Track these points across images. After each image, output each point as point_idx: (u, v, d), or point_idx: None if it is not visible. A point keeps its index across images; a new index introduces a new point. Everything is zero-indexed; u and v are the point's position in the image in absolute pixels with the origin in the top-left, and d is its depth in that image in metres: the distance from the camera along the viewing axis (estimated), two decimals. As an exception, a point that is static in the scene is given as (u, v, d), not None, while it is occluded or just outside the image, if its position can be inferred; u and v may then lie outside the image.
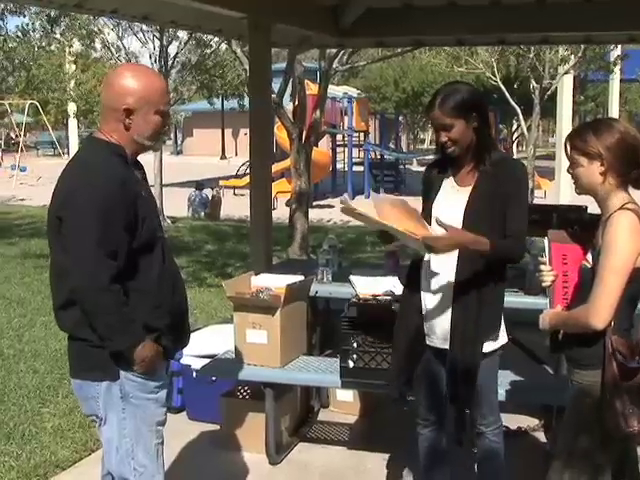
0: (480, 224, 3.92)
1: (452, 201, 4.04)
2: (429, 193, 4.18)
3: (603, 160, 3.30)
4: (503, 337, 4.18)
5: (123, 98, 3.38)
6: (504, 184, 3.96)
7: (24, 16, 16.19)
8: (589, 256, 3.38)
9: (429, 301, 4.13)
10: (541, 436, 5.82)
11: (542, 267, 3.57)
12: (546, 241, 3.59)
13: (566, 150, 3.43)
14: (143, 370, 3.42)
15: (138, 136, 3.44)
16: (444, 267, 4.03)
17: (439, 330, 4.11)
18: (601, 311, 3.17)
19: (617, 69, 22.24)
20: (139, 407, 3.50)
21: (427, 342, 4.19)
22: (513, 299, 5.27)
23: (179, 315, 3.63)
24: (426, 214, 4.09)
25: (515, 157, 32.88)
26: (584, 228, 3.69)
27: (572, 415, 3.51)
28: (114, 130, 3.42)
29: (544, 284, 3.56)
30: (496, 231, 3.94)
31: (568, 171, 3.44)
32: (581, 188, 3.41)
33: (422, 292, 4.16)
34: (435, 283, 4.09)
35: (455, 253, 3.92)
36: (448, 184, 4.12)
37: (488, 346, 4.07)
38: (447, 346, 4.08)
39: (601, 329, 3.19)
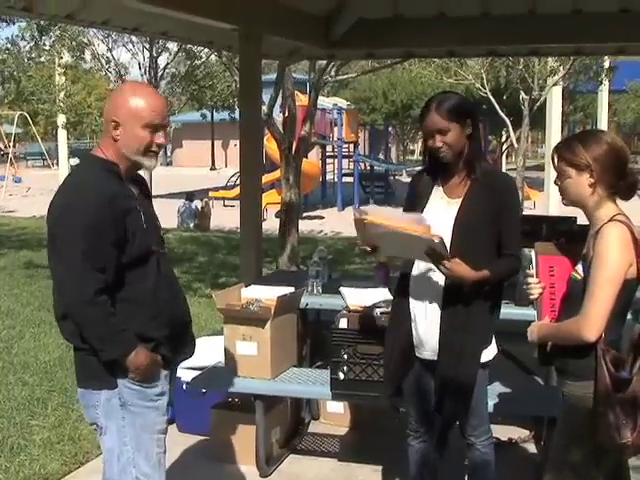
0: (469, 237, 3.92)
1: (442, 213, 4.02)
2: (416, 199, 4.15)
3: (592, 172, 3.29)
4: (493, 349, 4.17)
5: (113, 110, 3.46)
6: (496, 197, 3.97)
7: (13, 23, 16.17)
8: (579, 267, 3.38)
9: (418, 313, 4.11)
10: (532, 447, 5.81)
11: (529, 279, 3.57)
12: (533, 253, 3.58)
13: (553, 162, 3.43)
14: (140, 378, 3.45)
15: (126, 150, 3.46)
16: (433, 279, 4.03)
17: (428, 342, 4.09)
18: (593, 323, 3.18)
19: (606, 80, 22.33)
20: (139, 415, 3.51)
21: (417, 354, 4.18)
22: (503, 310, 5.27)
23: (180, 326, 3.66)
24: None
25: (504, 168, 33.01)
26: (571, 239, 3.71)
27: (563, 427, 3.50)
28: (109, 145, 3.48)
29: (531, 297, 3.55)
30: (485, 245, 3.95)
31: (556, 183, 3.43)
32: (569, 200, 3.41)
33: (411, 304, 4.14)
34: (424, 295, 4.08)
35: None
36: (437, 194, 4.10)
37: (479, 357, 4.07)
38: (436, 358, 4.08)
39: (593, 341, 3.19)
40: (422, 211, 4.07)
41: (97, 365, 3.45)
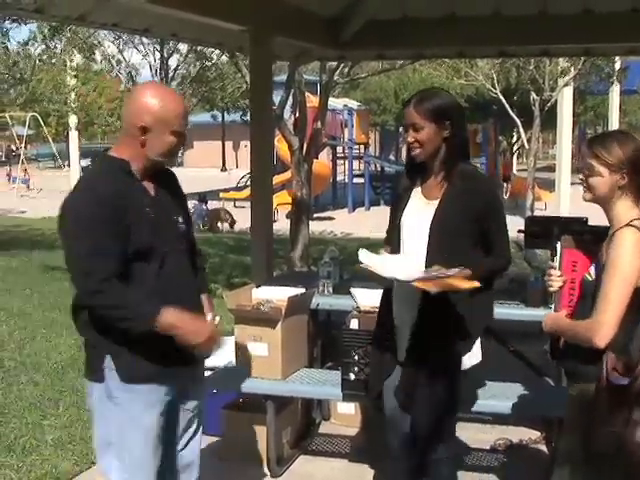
0: (445, 238, 3.88)
1: (419, 214, 3.98)
2: (397, 201, 4.13)
3: (624, 174, 3.26)
4: (477, 356, 4.12)
5: (141, 116, 3.44)
6: (475, 199, 3.92)
7: (25, 24, 16.21)
8: (592, 269, 3.36)
9: (397, 315, 4.10)
10: (543, 448, 5.80)
11: (551, 271, 3.53)
12: (558, 246, 3.54)
13: (583, 155, 3.38)
14: (186, 339, 3.48)
15: (151, 153, 3.49)
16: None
17: (405, 345, 4.06)
18: (602, 329, 3.15)
19: (617, 81, 22.26)
20: (123, 409, 3.49)
21: (399, 358, 4.14)
22: (514, 311, 5.27)
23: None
24: (394, 224, 4.10)
25: (515, 169, 32.93)
26: (595, 239, 3.67)
27: (568, 426, 3.49)
28: (128, 145, 3.49)
29: (551, 289, 3.51)
30: (462, 243, 3.90)
31: (582, 178, 3.38)
32: (594, 197, 3.35)
33: (394, 308, 4.12)
34: (404, 299, 4.04)
35: (421, 267, 3.85)
36: (416, 195, 4.06)
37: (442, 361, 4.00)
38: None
39: (601, 346, 3.16)
40: (402, 212, 4.04)
41: (92, 357, 3.53)
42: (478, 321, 4.13)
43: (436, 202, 3.96)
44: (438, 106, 3.88)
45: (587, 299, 3.31)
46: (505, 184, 26.50)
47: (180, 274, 3.65)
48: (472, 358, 4.09)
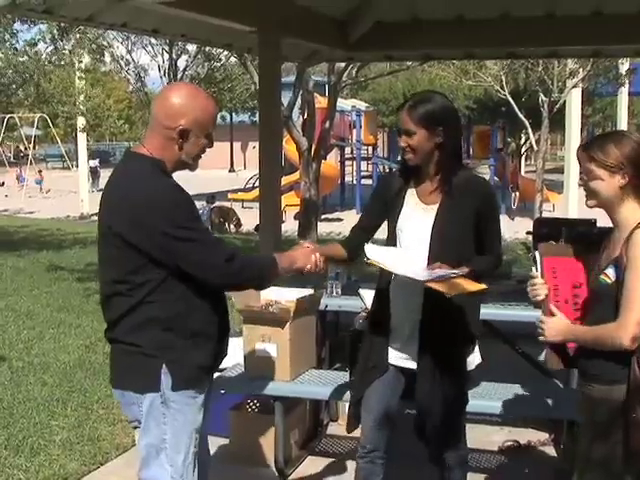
0: (446, 244, 3.86)
1: (418, 219, 3.95)
2: (389, 201, 4.06)
3: (625, 173, 3.22)
4: (477, 357, 4.10)
5: (180, 118, 3.39)
6: (472, 202, 3.89)
7: (35, 24, 16.26)
8: (610, 271, 3.29)
9: (395, 316, 4.04)
10: (551, 450, 5.79)
11: (535, 281, 3.45)
12: (537, 255, 3.48)
13: (580, 162, 3.33)
14: (304, 266, 3.78)
15: (186, 156, 3.48)
16: (413, 284, 3.89)
17: (406, 349, 4.01)
18: (630, 330, 3.11)
19: (626, 82, 22.22)
20: (179, 412, 3.47)
21: (391, 361, 4.07)
22: (522, 312, 5.27)
23: (224, 329, 3.65)
24: (374, 216, 4.12)
25: (523, 171, 32.82)
26: (576, 241, 3.64)
27: (587, 427, 3.46)
28: (161, 146, 3.44)
29: (538, 298, 3.44)
30: (463, 250, 3.89)
31: (580, 184, 3.35)
32: (597, 201, 3.31)
33: (391, 308, 4.06)
34: (403, 300, 4.00)
35: (423, 262, 3.85)
36: (412, 199, 4.01)
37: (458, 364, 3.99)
38: (410, 365, 4.00)
39: (632, 346, 3.13)
40: (397, 217, 4.00)
41: (144, 366, 3.42)
42: (478, 321, 4.13)
43: (435, 207, 3.93)
44: (431, 112, 3.83)
45: (605, 302, 3.27)
46: (513, 193, 26.03)
47: None
48: (475, 359, 4.07)
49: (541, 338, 3.40)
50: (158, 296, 3.37)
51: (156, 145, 3.44)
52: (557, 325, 3.38)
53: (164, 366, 3.40)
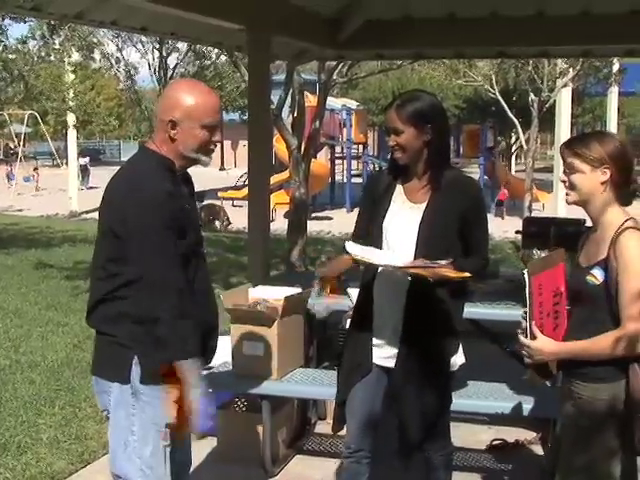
0: (433, 242, 3.85)
1: (405, 218, 3.93)
2: (376, 200, 4.05)
3: (606, 169, 3.25)
4: (461, 357, 4.10)
5: (170, 110, 3.43)
6: (460, 202, 3.88)
7: (24, 22, 16.23)
8: (597, 272, 3.28)
9: (378, 315, 4.02)
10: (538, 449, 5.80)
11: (524, 343, 3.33)
12: (526, 276, 3.28)
13: (563, 157, 3.37)
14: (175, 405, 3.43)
15: (184, 149, 3.47)
16: (396, 281, 3.91)
17: (388, 346, 4.00)
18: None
19: (615, 83, 22.29)
20: (149, 404, 3.44)
21: (374, 360, 4.05)
22: (510, 311, 5.27)
23: (210, 330, 3.62)
24: (367, 217, 4.08)
25: (513, 170, 32.87)
26: (563, 239, 3.62)
27: (571, 428, 3.46)
28: (164, 141, 3.47)
29: (536, 359, 3.34)
30: (450, 249, 3.86)
31: (562, 178, 3.38)
32: (577, 196, 3.33)
33: (374, 306, 4.04)
34: (387, 297, 3.99)
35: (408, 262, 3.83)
36: (399, 197, 4.00)
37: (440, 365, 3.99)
38: (393, 364, 3.98)
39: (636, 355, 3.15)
40: (384, 214, 3.98)
41: (117, 355, 3.43)
42: (461, 320, 4.12)
43: (422, 206, 3.92)
44: (419, 110, 3.83)
45: (590, 303, 3.27)
46: (499, 190, 25.76)
47: (208, 275, 3.69)
48: (458, 359, 4.07)
49: (527, 360, 3.37)
50: (131, 292, 3.36)
51: (159, 140, 3.49)
52: (544, 347, 3.32)
53: (136, 357, 3.40)
